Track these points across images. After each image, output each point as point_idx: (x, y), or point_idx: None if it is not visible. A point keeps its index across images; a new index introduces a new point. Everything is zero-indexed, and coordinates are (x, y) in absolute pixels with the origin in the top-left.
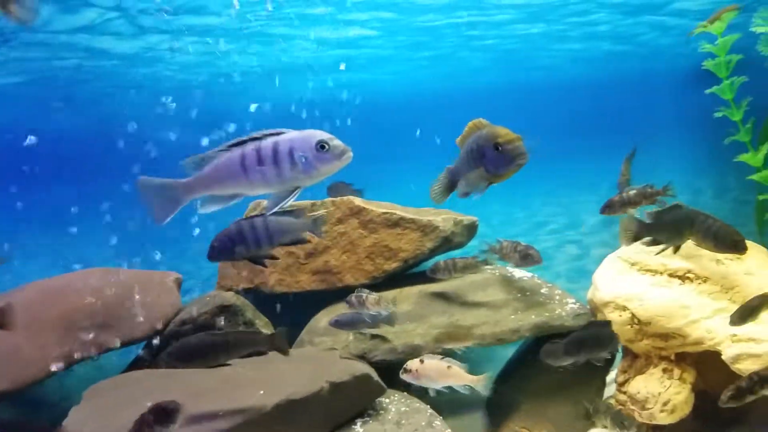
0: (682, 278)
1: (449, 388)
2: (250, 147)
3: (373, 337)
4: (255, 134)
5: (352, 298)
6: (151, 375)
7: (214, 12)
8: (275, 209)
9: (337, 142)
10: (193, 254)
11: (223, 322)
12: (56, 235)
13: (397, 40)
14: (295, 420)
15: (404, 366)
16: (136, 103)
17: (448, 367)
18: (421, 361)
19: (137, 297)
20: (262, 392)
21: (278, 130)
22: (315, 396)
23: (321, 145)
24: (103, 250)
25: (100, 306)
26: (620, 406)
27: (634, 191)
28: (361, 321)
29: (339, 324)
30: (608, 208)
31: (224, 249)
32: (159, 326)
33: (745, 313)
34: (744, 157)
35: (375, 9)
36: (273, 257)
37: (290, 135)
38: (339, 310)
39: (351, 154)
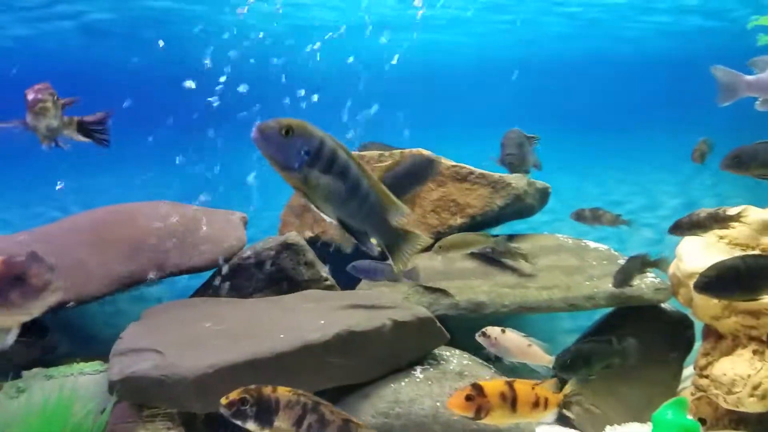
0: None
1: (523, 364)
2: None
3: (434, 290)
4: None
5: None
6: (210, 302)
7: None
8: None
9: None
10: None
11: (287, 259)
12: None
13: (477, 1)
14: (354, 353)
15: (483, 330)
16: (216, 48)
17: (529, 345)
18: (503, 331)
19: (204, 228)
20: (322, 322)
21: None
22: (377, 331)
23: None
24: (172, 192)
25: (166, 232)
26: (701, 393)
27: (705, 214)
28: (380, 271)
29: (356, 270)
30: (676, 229)
31: None
32: (222, 258)
33: (623, 277)
34: None
35: None
36: None
37: None
38: None
39: None
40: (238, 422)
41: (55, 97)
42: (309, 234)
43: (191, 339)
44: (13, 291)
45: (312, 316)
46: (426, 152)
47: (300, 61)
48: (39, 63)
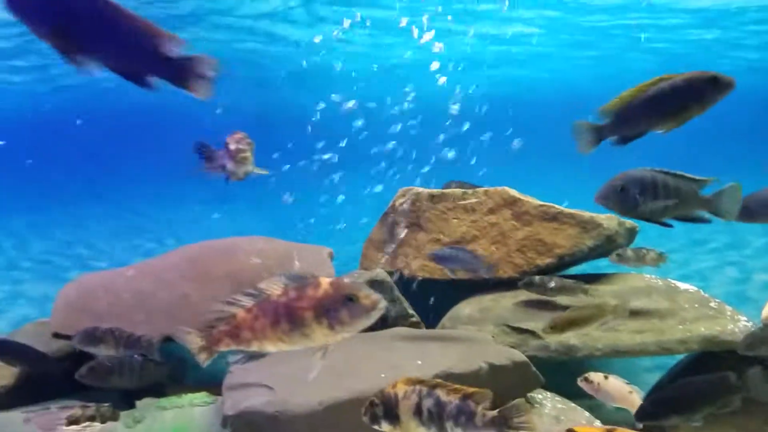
0: None
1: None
2: None
3: (522, 331)
4: None
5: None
6: None
7: (384, 5)
8: None
9: None
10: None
11: None
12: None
13: (559, 39)
14: None
15: (586, 375)
16: (302, 86)
17: (630, 392)
18: (605, 377)
19: (296, 263)
20: (420, 362)
21: None
22: (473, 375)
23: None
24: (260, 225)
25: (263, 268)
26: None
27: None
28: (462, 260)
29: (437, 258)
30: None
31: None
32: None
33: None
34: None
35: (541, 7)
36: None
37: None
38: (482, 301)
39: None
40: (375, 426)
41: (252, 146)
42: (389, 268)
43: (297, 374)
44: (343, 310)
45: (408, 356)
46: (511, 191)
47: (384, 100)
48: (137, 104)
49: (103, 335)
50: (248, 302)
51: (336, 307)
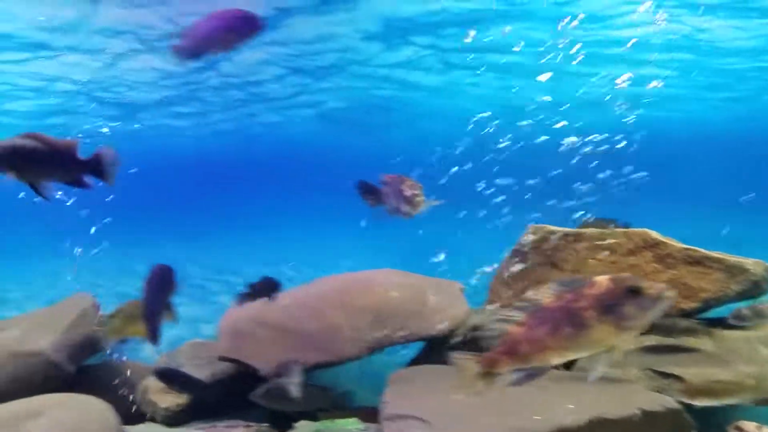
0: None
1: None
2: None
3: (667, 375)
4: None
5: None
6: (450, 371)
7: (513, 51)
8: None
9: None
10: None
11: None
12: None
13: (692, 81)
14: None
15: (737, 424)
16: (435, 130)
17: None
18: (758, 428)
19: (432, 298)
20: (572, 406)
21: None
22: (627, 420)
23: None
24: (392, 257)
25: (400, 301)
26: None
27: None
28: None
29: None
30: None
31: None
32: (449, 327)
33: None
34: None
35: (674, 50)
36: None
37: None
38: None
39: None
40: None
41: (422, 188)
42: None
43: (449, 409)
44: (627, 304)
45: (558, 396)
46: (653, 233)
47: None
48: (284, 146)
49: (294, 365)
50: (518, 316)
51: (620, 302)
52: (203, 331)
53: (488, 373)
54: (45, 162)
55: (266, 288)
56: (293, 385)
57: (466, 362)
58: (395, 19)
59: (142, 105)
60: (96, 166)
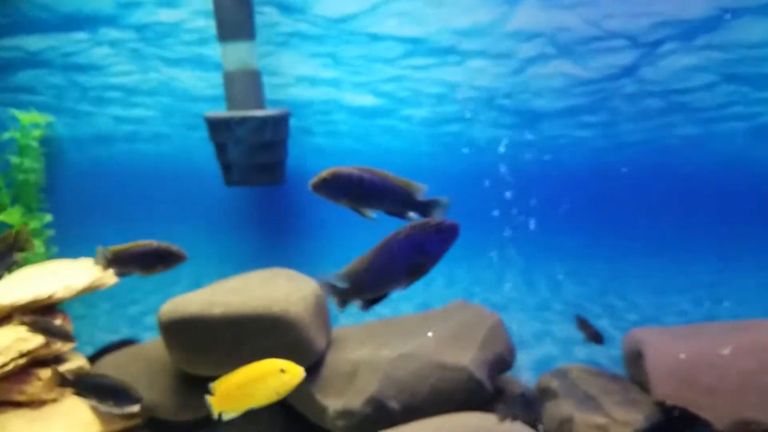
0: None
1: None
2: None
3: None
4: None
5: None
6: None
7: None
8: None
9: None
10: None
11: None
12: None
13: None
14: None
15: None
16: None
17: None
18: None
19: None
20: None
21: None
22: None
23: None
24: None
25: None
26: None
27: None
28: None
29: None
30: None
31: None
32: None
33: None
34: None
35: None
36: None
37: None
38: None
39: None
40: None
41: None
42: None
43: None
44: None
45: None
46: None
47: None
48: (703, 161)
49: None
50: None
51: None
52: (575, 353)
53: None
54: (382, 198)
55: None
56: None
57: None
58: None
59: (543, 113)
60: (425, 208)
